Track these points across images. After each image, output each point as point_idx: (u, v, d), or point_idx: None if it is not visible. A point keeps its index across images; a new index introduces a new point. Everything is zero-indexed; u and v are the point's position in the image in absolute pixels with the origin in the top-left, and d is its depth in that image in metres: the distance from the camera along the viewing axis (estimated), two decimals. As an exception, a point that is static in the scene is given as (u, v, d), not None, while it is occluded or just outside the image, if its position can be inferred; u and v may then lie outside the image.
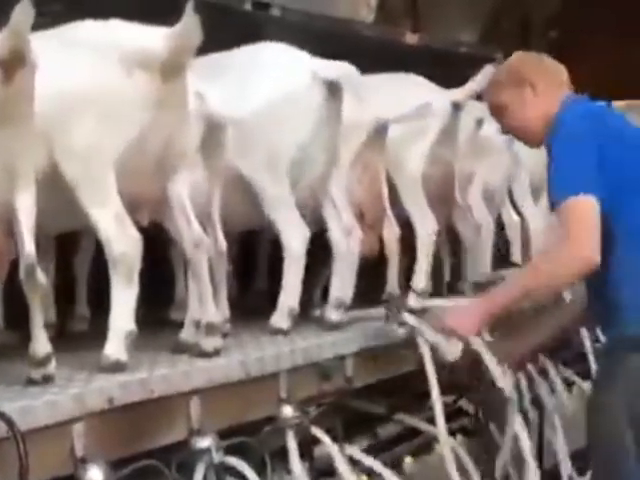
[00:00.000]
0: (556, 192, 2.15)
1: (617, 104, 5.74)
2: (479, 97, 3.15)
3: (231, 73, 2.49)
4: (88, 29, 2.10)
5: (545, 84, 2.28)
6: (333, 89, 2.51)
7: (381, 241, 2.90)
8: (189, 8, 1.96)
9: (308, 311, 2.73)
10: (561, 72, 2.34)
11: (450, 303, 2.74)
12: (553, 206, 2.20)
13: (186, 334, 2.26)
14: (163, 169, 2.11)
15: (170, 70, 2.04)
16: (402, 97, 2.89)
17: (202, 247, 2.14)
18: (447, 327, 2.32)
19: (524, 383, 3.15)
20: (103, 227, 2.00)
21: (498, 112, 2.32)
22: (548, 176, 2.20)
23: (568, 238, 2.11)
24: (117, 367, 1.98)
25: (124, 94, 2.00)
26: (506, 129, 2.35)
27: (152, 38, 2.05)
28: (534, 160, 3.50)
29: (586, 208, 2.09)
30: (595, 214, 2.09)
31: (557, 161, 2.17)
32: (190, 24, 1.97)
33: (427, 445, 2.79)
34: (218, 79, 2.41)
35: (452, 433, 2.79)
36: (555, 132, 2.20)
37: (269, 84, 2.47)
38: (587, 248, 2.08)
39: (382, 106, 2.78)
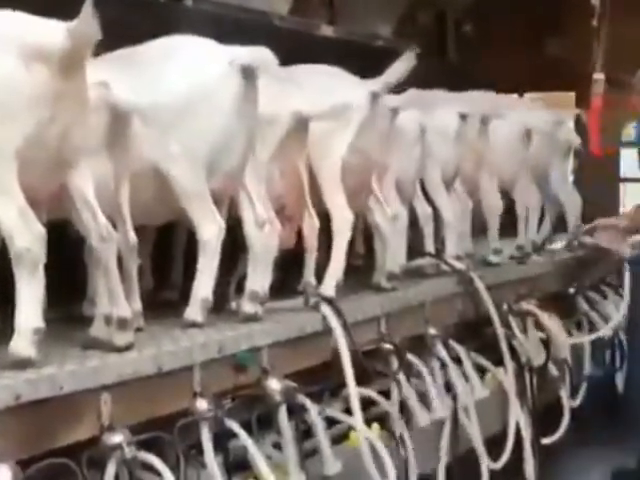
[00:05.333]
0: None
1: (530, 96, 5.88)
2: (395, 88, 3.18)
3: (146, 65, 2.45)
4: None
5: None
6: (248, 74, 2.47)
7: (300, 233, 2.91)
8: (87, 3, 1.92)
9: (224, 305, 2.72)
10: None
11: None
12: None
13: (96, 329, 2.22)
14: (61, 164, 2.06)
15: (69, 65, 2.00)
16: (324, 88, 2.88)
17: (109, 241, 2.11)
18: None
19: (437, 370, 3.21)
20: (6, 222, 1.95)
21: None
22: None
23: None
24: (24, 364, 1.94)
25: (22, 88, 1.95)
26: None
27: (51, 31, 2.00)
28: (446, 151, 3.56)
29: None
30: None
31: None
32: (88, 19, 1.93)
33: (344, 435, 2.81)
34: (133, 72, 2.37)
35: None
36: None
37: (184, 74, 2.44)
38: None
39: (305, 98, 2.77)
